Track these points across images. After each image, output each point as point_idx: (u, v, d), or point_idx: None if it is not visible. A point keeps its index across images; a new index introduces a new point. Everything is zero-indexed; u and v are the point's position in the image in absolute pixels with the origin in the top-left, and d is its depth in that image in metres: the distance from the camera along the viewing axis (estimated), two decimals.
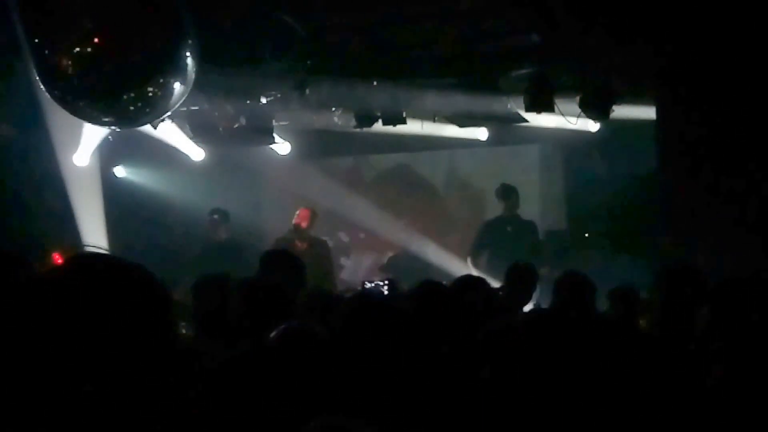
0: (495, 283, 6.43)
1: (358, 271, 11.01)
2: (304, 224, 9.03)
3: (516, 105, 8.93)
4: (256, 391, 2.78)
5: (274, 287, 3.69)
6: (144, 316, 1.44)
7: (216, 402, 2.70)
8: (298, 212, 9.12)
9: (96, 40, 5.58)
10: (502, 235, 9.33)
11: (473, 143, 10.55)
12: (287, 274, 4.75)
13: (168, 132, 9.81)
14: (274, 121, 9.79)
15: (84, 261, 1.48)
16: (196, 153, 10.39)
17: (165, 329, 1.46)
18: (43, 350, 1.37)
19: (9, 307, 1.41)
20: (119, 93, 5.74)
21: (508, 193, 9.56)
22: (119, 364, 1.40)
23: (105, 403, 1.38)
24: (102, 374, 1.38)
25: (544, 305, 8.45)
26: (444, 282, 4.80)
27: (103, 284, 1.43)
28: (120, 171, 10.88)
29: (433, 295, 3.78)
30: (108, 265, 1.47)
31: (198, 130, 9.93)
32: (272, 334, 2.84)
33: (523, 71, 8.36)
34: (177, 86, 5.91)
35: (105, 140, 9.45)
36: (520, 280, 6.09)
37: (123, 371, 1.40)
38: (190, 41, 5.88)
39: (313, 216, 9.17)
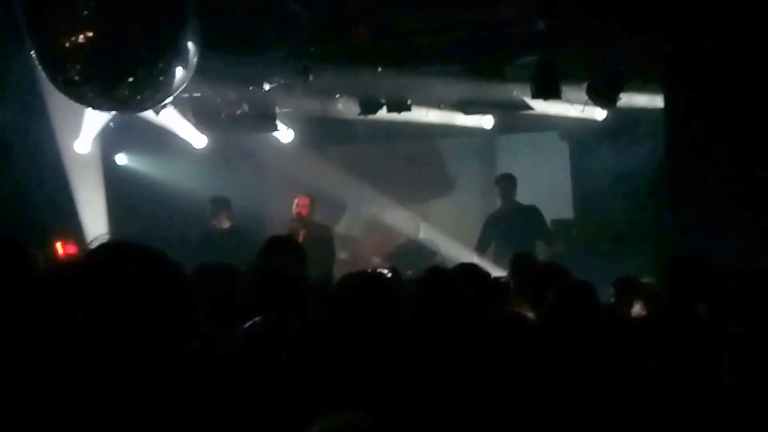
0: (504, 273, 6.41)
1: (362, 260, 10.93)
2: (305, 212, 8.96)
3: (522, 92, 8.85)
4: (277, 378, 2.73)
5: (290, 273, 3.63)
6: (168, 303, 1.45)
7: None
8: (297, 201, 9.04)
9: (97, 24, 5.52)
10: (506, 226, 9.29)
11: (479, 131, 10.47)
12: (288, 261, 4.71)
13: (170, 119, 9.75)
14: (277, 107, 9.73)
15: (108, 250, 1.48)
16: (198, 140, 10.32)
17: (187, 314, 1.46)
18: (68, 340, 1.38)
19: (34, 297, 1.42)
20: (121, 78, 5.68)
21: (505, 181, 9.52)
22: (145, 354, 1.40)
23: (129, 392, 1.39)
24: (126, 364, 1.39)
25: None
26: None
27: (129, 273, 1.44)
28: (121, 158, 10.79)
29: (438, 282, 3.71)
30: (131, 253, 1.48)
31: (200, 116, 9.88)
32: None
33: (530, 58, 8.27)
34: (179, 72, 5.84)
35: (106, 127, 9.40)
36: (522, 270, 6.12)
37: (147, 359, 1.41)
38: (192, 26, 5.82)
39: (313, 202, 9.09)
